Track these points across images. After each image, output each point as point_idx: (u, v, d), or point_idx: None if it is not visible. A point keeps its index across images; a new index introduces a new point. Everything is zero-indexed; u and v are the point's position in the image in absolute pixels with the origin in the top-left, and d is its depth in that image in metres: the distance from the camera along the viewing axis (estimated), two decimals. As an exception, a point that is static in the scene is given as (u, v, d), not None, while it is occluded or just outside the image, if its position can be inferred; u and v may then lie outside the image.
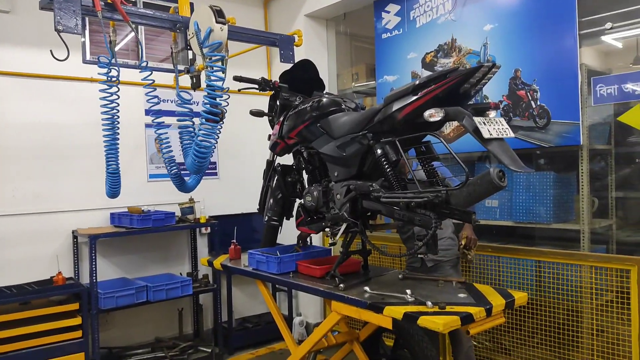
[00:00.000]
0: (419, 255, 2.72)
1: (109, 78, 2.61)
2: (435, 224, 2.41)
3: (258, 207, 3.63)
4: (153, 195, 4.66)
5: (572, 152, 3.55)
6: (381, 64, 4.64)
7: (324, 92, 3.45)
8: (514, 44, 3.70)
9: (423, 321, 2.25)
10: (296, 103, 3.27)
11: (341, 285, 2.77)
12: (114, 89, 2.68)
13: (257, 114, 3.54)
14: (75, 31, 2.34)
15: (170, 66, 3.97)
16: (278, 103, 3.42)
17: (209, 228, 4.85)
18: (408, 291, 2.55)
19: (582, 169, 3.48)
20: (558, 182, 3.68)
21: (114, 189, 3.01)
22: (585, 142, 3.44)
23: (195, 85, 3.58)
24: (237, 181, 5.13)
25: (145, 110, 4.26)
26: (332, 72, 5.24)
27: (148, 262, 4.71)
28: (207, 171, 5.05)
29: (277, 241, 3.61)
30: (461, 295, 2.57)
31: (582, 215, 3.50)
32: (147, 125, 4.56)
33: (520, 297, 2.56)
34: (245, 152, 5.21)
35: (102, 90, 2.67)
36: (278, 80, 3.43)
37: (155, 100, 2.82)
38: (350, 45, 5.49)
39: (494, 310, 2.40)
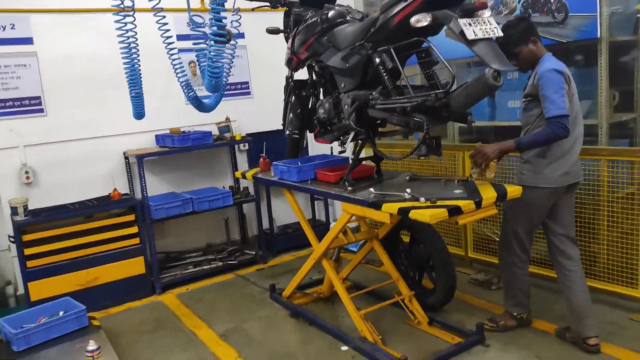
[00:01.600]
0: (421, 157, 2.81)
1: (123, 8, 2.83)
2: (427, 127, 2.56)
3: (282, 122, 3.87)
4: (192, 116, 4.94)
5: (591, 46, 3.46)
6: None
7: (335, 4, 3.51)
8: None
9: (414, 214, 2.48)
10: (306, 17, 3.38)
11: (349, 188, 3.03)
12: (129, 19, 2.91)
13: (273, 31, 3.67)
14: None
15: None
16: (291, 19, 3.54)
17: (246, 145, 5.18)
18: (408, 190, 2.77)
19: (600, 63, 3.41)
20: (579, 78, 3.62)
21: (138, 111, 3.33)
22: (604, 35, 3.35)
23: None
24: (270, 99, 5.32)
25: (178, 36, 4.49)
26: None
27: (195, 178, 5.15)
28: (240, 91, 5.36)
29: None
30: (457, 191, 2.76)
31: (600, 110, 3.48)
32: (181, 50, 4.78)
33: (512, 190, 2.72)
34: (275, 69, 5.35)
35: (116, 21, 2.91)
36: (290, -4, 3.53)
37: (166, 27, 3.02)
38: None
39: (484, 202, 2.59)
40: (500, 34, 2.41)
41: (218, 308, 4.11)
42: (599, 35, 3.31)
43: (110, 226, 4.26)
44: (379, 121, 3.11)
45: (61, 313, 3.51)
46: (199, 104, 3.49)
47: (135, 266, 4.34)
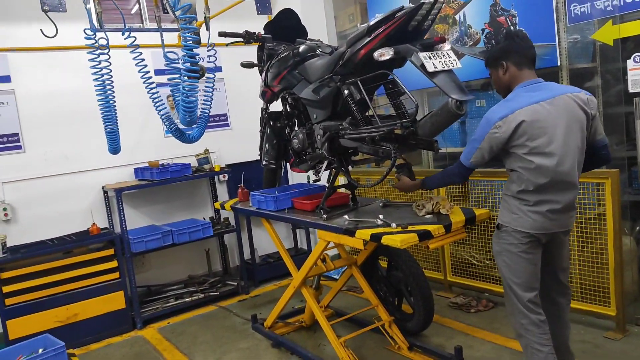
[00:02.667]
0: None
1: (96, 47, 2.92)
2: (395, 155, 2.65)
3: (259, 153, 3.95)
4: (171, 149, 5.03)
5: (553, 74, 3.61)
6: (373, 3, 4.72)
7: (307, 38, 3.63)
8: (492, -30, 3.72)
9: (386, 240, 2.54)
10: (279, 52, 3.49)
11: (324, 215, 3.09)
12: (104, 56, 3.00)
13: (247, 65, 3.77)
14: (60, 9, 2.64)
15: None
16: (264, 53, 3.65)
17: (226, 175, 5.24)
18: (380, 216, 2.84)
19: (562, 90, 3.54)
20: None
21: (114, 146, 3.39)
22: (564, 63, 3.50)
23: (197, 42, 3.84)
24: (248, 130, 5.39)
25: (156, 70, 4.58)
26: (329, 15, 5.34)
27: (175, 210, 5.17)
28: (219, 123, 5.44)
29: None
30: (428, 216, 2.83)
31: (565, 135, 3.60)
32: (159, 85, 4.87)
33: (481, 213, 2.81)
34: (253, 101, 5.45)
35: (91, 59, 2.99)
36: (262, 31, 3.64)
37: (144, 63, 3.11)
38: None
39: (453, 226, 2.66)
40: (459, 65, 2.52)
41: (199, 341, 4.09)
42: (559, 63, 3.47)
43: (89, 261, 4.25)
44: (351, 150, 3.19)
45: (40, 350, 3.45)
46: (182, 136, 3.56)
47: (115, 301, 4.32)
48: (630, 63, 3.12)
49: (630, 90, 3.14)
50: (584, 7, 3.31)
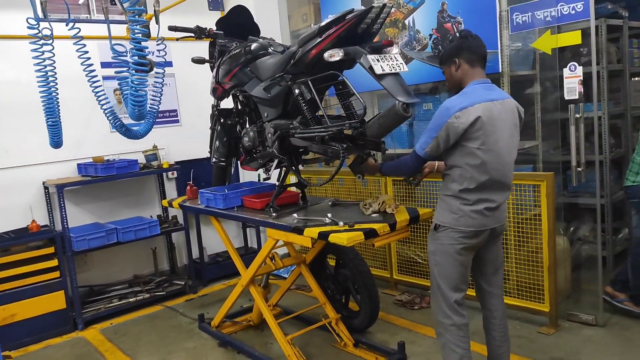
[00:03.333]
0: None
1: (40, 38, 2.81)
2: (344, 154, 2.69)
3: (209, 150, 3.91)
4: (118, 144, 4.89)
5: (494, 80, 3.75)
6: (326, 3, 4.77)
7: (259, 36, 3.63)
8: (440, -23, 3.84)
9: (332, 237, 2.58)
10: (231, 49, 3.48)
11: (273, 214, 3.10)
12: (47, 47, 2.89)
13: (198, 61, 3.73)
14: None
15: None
16: (216, 49, 3.62)
17: (175, 173, 5.15)
18: (329, 215, 2.88)
19: (504, 95, 3.71)
20: (486, 109, 3.92)
21: (55, 140, 3.28)
22: (505, 69, 3.66)
23: (146, 35, 3.76)
24: (198, 127, 5.33)
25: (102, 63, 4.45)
26: (282, 14, 5.35)
27: (121, 208, 5.04)
28: (169, 119, 5.34)
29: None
30: (374, 215, 2.89)
31: (506, 138, 3.76)
32: (105, 78, 4.74)
33: (424, 212, 2.89)
34: (204, 98, 5.38)
35: (33, 50, 2.88)
36: (214, 27, 3.61)
37: (87, 55, 3.02)
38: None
39: (398, 225, 2.73)
40: (406, 69, 2.59)
41: (144, 341, 4.00)
42: (500, 70, 3.62)
43: (28, 260, 4.08)
44: (301, 149, 3.21)
45: (-29, 354, 3.31)
46: (127, 131, 3.47)
47: (55, 301, 4.16)
48: (566, 71, 3.29)
49: (566, 98, 3.32)
50: (526, 16, 3.47)
